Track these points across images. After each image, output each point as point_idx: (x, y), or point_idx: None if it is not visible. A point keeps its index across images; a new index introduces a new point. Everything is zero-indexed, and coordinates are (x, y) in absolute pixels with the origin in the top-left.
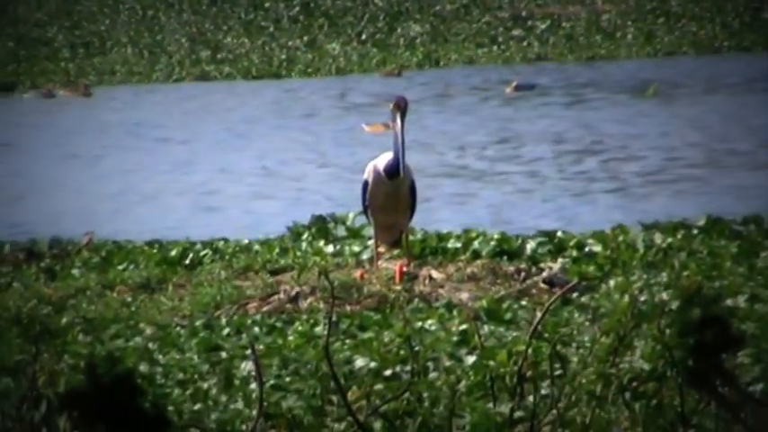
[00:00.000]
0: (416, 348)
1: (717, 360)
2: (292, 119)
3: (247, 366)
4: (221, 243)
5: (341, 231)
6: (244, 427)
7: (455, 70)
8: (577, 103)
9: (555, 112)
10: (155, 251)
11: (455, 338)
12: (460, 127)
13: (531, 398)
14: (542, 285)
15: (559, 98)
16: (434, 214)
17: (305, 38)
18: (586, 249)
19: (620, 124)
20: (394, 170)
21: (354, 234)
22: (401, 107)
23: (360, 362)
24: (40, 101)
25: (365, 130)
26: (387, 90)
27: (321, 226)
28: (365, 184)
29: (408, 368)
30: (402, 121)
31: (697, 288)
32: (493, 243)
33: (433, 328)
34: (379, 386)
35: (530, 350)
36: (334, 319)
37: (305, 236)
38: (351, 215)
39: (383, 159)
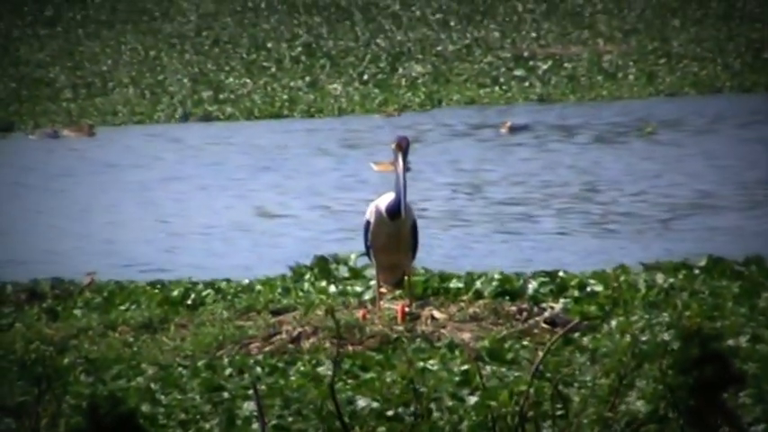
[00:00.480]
0: (419, 389)
1: (718, 398)
2: (293, 158)
3: (249, 406)
4: (223, 283)
5: (343, 272)
6: None
7: (456, 110)
8: (570, 143)
9: (545, 152)
10: (156, 291)
11: (457, 378)
12: (445, 166)
13: None
14: (544, 325)
15: (553, 137)
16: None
17: (307, 78)
18: (588, 289)
19: (615, 163)
20: (395, 210)
21: (356, 274)
22: (402, 147)
23: (362, 402)
24: (44, 141)
25: (374, 168)
26: (387, 130)
27: (323, 266)
28: (367, 224)
29: (411, 408)
30: (404, 161)
31: (698, 328)
32: (495, 283)
33: (436, 367)
34: (381, 428)
35: (531, 390)
36: (338, 358)
37: (307, 276)
38: (353, 256)
39: (385, 200)
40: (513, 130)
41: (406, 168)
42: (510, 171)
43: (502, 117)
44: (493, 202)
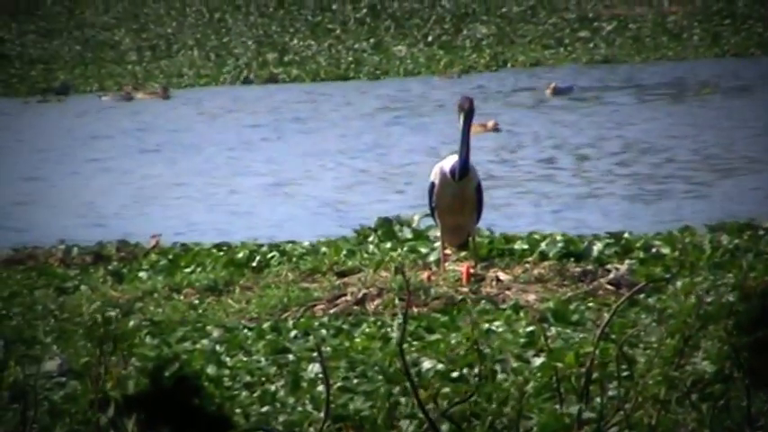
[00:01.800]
0: (484, 350)
1: None
2: (353, 119)
3: (314, 368)
4: (288, 245)
5: (406, 233)
6: (311, 429)
7: (519, 72)
8: (616, 105)
9: (587, 115)
10: (222, 254)
11: (522, 340)
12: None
13: (598, 399)
14: (609, 287)
15: (601, 100)
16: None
17: (371, 40)
18: (653, 251)
19: (663, 125)
20: (459, 171)
21: (420, 236)
22: (464, 108)
23: (427, 363)
24: (119, 103)
25: None
26: (446, 92)
27: (387, 228)
28: (432, 185)
29: (476, 370)
30: (467, 122)
31: (760, 287)
32: (560, 245)
33: (501, 329)
34: (446, 389)
35: (597, 351)
36: (407, 316)
37: (371, 238)
38: (416, 217)
39: (449, 161)
40: (557, 92)
41: (497, 129)
42: (546, 133)
43: (555, 79)
44: (530, 165)
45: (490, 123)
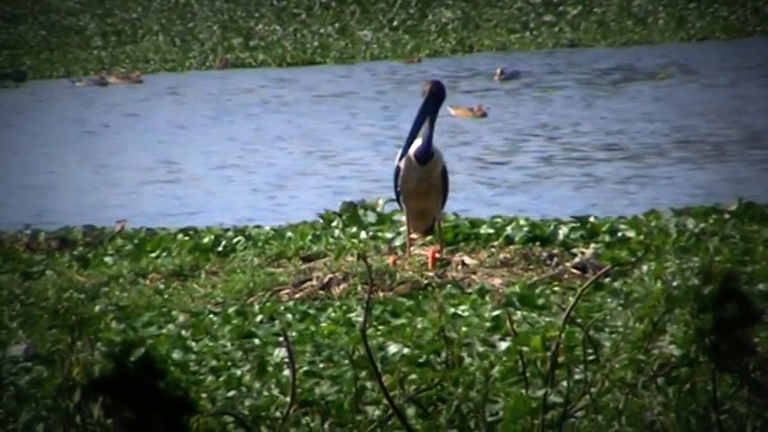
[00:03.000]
0: (450, 335)
1: (738, 336)
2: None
3: (280, 353)
4: (254, 230)
5: (371, 218)
6: (278, 413)
7: (480, 57)
8: (557, 90)
9: (534, 100)
10: (187, 238)
11: (488, 324)
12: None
13: (564, 383)
14: (575, 271)
15: (541, 85)
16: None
17: (336, 25)
18: (619, 234)
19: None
20: (423, 154)
21: (385, 220)
22: (429, 91)
23: (393, 348)
24: (93, 88)
25: (451, 113)
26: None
27: (352, 213)
28: (397, 169)
29: (442, 355)
30: (429, 105)
31: (720, 269)
32: (525, 229)
33: (466, 314)
34: (413, 374)
35: (563, 335)
36: (370, 303)
37: (335, 223)
38: (381, 201)
39: (416, 145)
40: (505, 76)
41: (484, 114)
42: (493, 117)
43: (504, 64)
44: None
45: (476, 107)
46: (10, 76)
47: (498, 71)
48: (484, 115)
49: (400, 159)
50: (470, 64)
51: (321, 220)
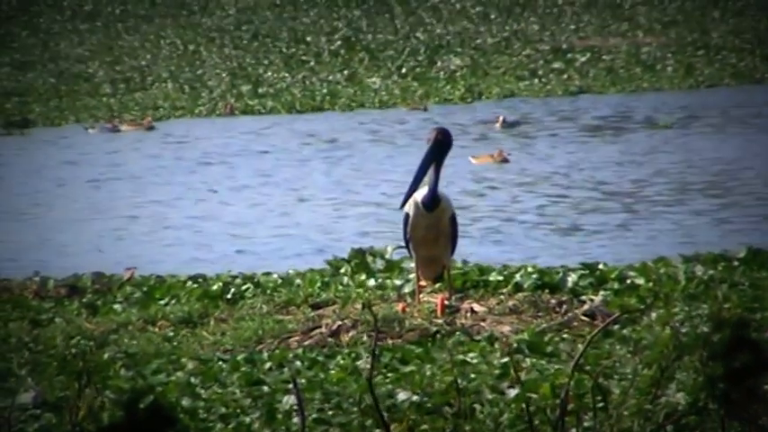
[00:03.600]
0: (459, 382)
1: (750, 385)
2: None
3: (290, 400)
4: (262, 277)
5: (379, 264)
6: None
7: (493, 104)
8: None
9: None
10: (196, 286)
11: (497, 371)
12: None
13: (573, 431)
14: (584, 318)
15: (544, 132)
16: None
17: (345, 72)
18: (628, 282)
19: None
20: (430, 201)
21: (393, 268)
22: (434, 139)
23: (402, 395)
24: (105, 134)
25: (472, 162)
26: (414, 124)
27: (360, 259)
28: (406, 217)
29: (451, 402)
30: (434, 152)
31: (730, 316)
32: (534, 276)
33: (475, 361)
34: (422, 421)
35: (572, 383)
36: (376, 352)
37: (344, 269)
38: (389, 248)
39: (422, 192)
40: (507, 124)
41: (505, 160)
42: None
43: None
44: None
45: (497, 153)
46: (15, 123)
47: (501, 119)
48: (505, 161)
49: (402, 205)
50: (475, 111)
51: (329, 267)
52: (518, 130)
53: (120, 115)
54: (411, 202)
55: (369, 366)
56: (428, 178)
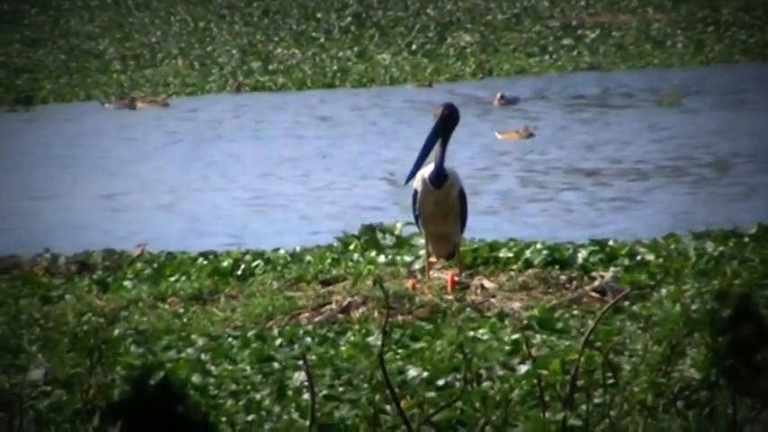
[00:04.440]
0: (469, 357)
1: (758, 359)
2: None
3: (300, 377)
4: (272, 254)
5: (389, 241)
6: None
7: (504, 80)
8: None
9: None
10: (206, 262)
11: (507, 348)
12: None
13: (583, 407)
14: (594, 294)
15: (547, 109)
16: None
17: (355, 48)
18: (638, 258)
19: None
20: (436, 178)
21: (403, 244)
22: (441, 114)
23: (412, 371)
24: (123, 111)
25: (498, 137)
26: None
27: (370, 235)
28: (415, 193)
29: (460, 377)
30: (440, 127)
31: (734, 290)
32: (544, 252)
33: (486, 337)
34: (431, 395)
35: (582, 359)
36: (387, 328)
37: (352, 246)
38: (399, 225)
39: (430, 168)
40: (505, 102)
41: (530, 134)
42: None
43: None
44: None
45: (522, 129)
46: (20, 100)
47: (498, 96)
48: (531, 135)
49: (407, 181)
50: (483, 88)
51: (339, 243)
52: (518, 107)
53: (131, 92)
54: (419, 178)
55: (379, 343)
56: (433, 154)
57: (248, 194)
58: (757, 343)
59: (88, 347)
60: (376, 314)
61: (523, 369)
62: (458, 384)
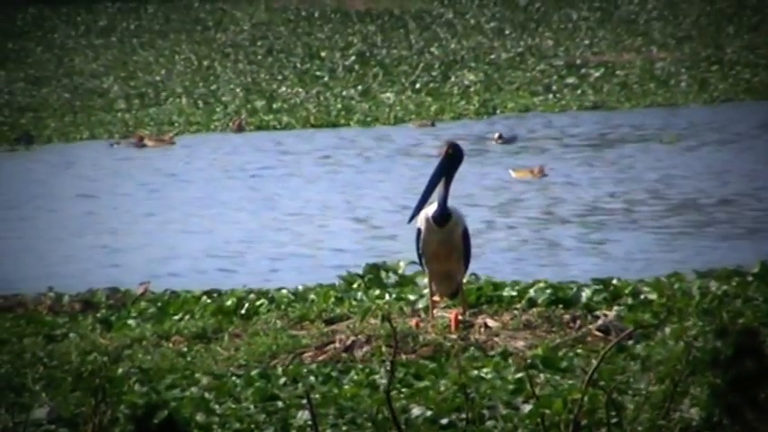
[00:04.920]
0: (472, 396)
1: (761, 397)
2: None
3: (304, 415)
4: (276, 292)
5: (392, 280)
6: None
7: (507, 119)
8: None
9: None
10: (210, 301)
11: (511, 386)
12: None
13: None
14: (597, 333)
15: (548, 148)
16: None
17: (359, 87)
18: (641, 297)
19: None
20: (439, 216)
21: (407, 282)
22: (445, 152)
23: (416, 410)
24: (131, 150)
25: (512, 176)
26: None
27: (375, 274)
28: (418, 232)
29: (464, 416)
30: (445, 166)
31: (735, 325)
32: (548, 291)
33: (489, 376)
34: None
35: (585, 398)
36: (394, 364)
37: (356, 285)
38: (402, 263)
39: (433, 207)
40: (504, 141)
41: (544, 174)
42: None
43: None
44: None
45: (536, 169)
46: (20, 139)
47: (496, 135)
48: (544, 175)
49: (410, 219)
50: (485, 127)
51: (342, 282)
52: (516, 147)
53: (135, 131)
54: (422, 216)
55: (383, 381)
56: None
57: (247, 234)
58: (760, 380)
59: (92, 386)
60: (380, 352)
61: (527, 408)
62: (461, 423)
